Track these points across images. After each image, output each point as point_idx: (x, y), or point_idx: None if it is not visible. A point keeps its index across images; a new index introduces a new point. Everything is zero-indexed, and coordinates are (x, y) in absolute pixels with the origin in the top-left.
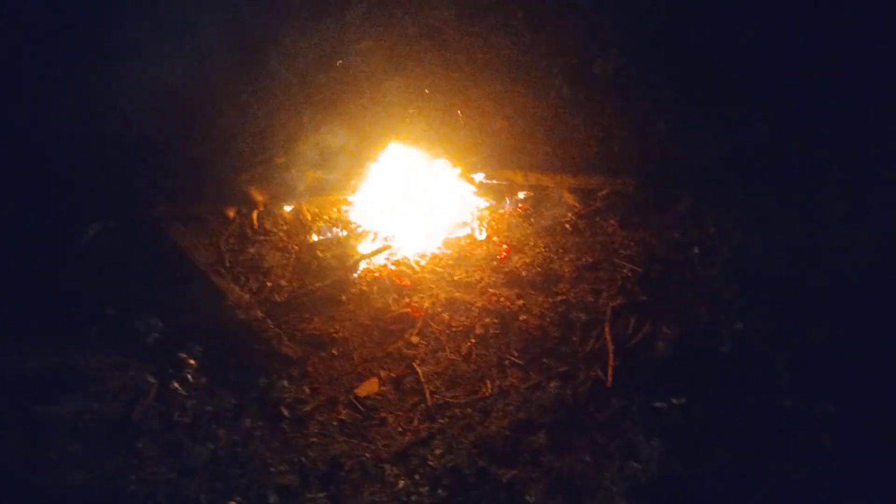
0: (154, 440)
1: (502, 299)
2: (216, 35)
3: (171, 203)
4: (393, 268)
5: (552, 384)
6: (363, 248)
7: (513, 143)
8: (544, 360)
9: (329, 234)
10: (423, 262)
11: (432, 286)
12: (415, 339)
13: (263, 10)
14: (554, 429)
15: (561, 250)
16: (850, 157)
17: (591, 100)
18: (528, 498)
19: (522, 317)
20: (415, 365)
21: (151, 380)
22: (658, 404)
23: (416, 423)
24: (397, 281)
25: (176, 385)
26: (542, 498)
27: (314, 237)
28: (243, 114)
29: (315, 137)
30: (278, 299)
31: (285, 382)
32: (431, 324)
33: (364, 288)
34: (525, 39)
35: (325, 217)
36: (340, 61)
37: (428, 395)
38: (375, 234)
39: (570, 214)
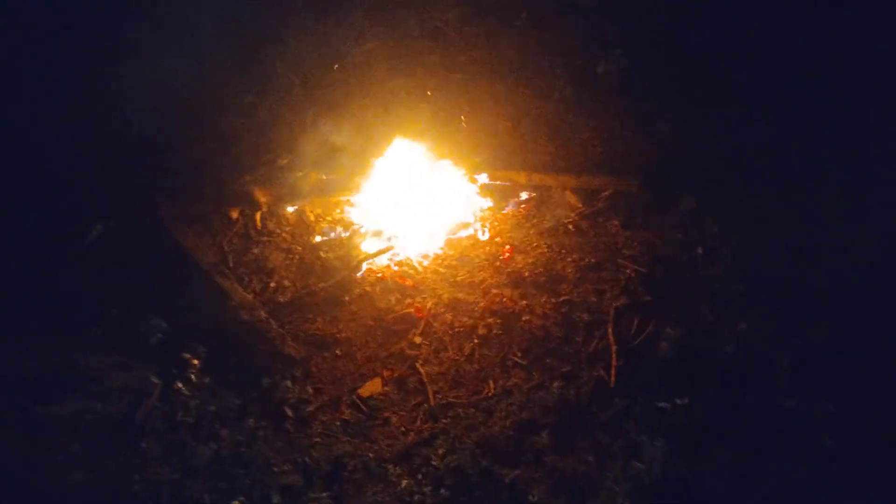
0: (157, 440)
1: (505, 300)
2: (219, 36)
3: (174, 203)
4: (396, 268)
5: (555, 384)
6: (366, 248)
7: (516, 143)
8: (547, 360)
9: (332, 235)
10: (426, 263)
11: (435, 287)
12: (418, 340)
13: (266, 10)
14: (557, 429)
15: (564, 251)
16: (850, 157)
17: (595, 100)
18: (531, 498)
19: (525, 317)
20: (418, 365)
21: (155, 380)
22: (661, 404)
23: (419, 423)
24: (400, 281)
25: (179, 385)
26: (545, 498)
27: (317, 238)
28: (246, 115)
29: (318, 138)
30: (282, 300)
31: (289, 382)
32: (434, 324)
33: (367, 288)
34: (528, 40)
35: (329, 218)
36: (337, 65)
37: (431, 395)
38: (379, 234)
39: (572, 215)
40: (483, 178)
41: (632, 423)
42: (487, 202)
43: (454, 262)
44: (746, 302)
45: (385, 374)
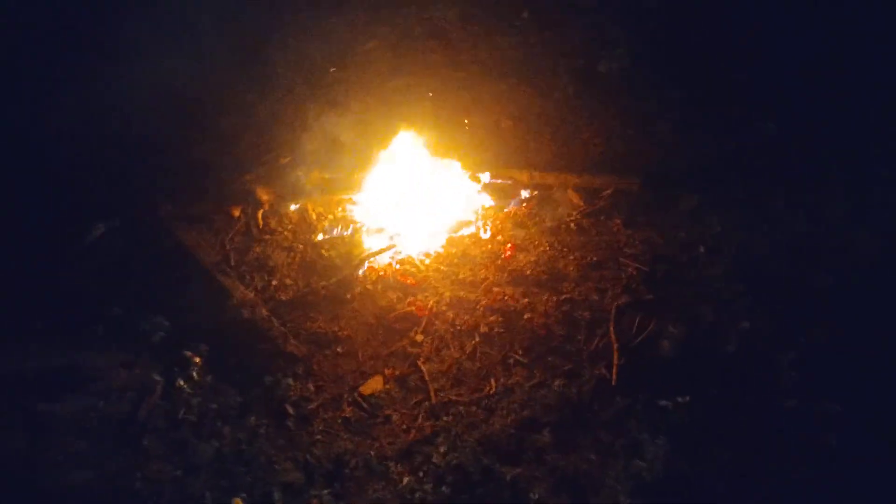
0: (159, 438)
1: (507, 298)
2: (220, 35)
3: (176, 203)
4: (398, 267)
5: (557, 382)
6: (368, 246)
7: (518, 142)
8: (549, 358)
9: (334, 233)
10: (427, 261)
11: (437, 285)
12: (419, 338)
13: (266, 9)
14: (558, 427)
15: (565, 249)
16: (851, 157)
17: (596, 99)
18: (532, 496)
19: (527, 315)
20: (419, 363)
21: (157, 378)
22: (663, 403)
23: (420, 420)
24: (402, 280)
25: (181, 383)
26: (547, 496)
27: (319, 236)
28: (248, 114)
29: (320, 137)
30: (283, 298)
31: (290, 380)
32: (436, 322)
33: (369, 286)
34: (530, 39)
35: (331, 216)
36: (338, 64)
37: (432, 393)
38: (380, 232)
39: (574, 213)
40: (485, 176)
41: (633, 422)
42: (489, 201)
43: (456, 261)
44: (749, 301)
45: (386, 372)
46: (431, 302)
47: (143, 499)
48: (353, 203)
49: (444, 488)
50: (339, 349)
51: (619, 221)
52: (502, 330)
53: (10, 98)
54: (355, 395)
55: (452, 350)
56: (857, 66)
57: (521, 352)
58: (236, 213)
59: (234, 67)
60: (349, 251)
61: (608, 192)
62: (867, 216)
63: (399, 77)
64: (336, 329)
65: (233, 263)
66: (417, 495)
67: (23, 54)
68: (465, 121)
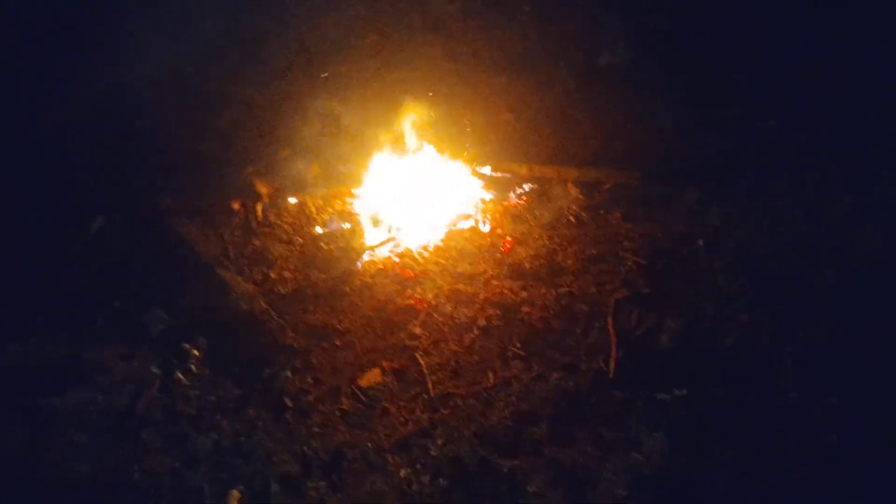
0: (158, 431)
1: (506, 291)
2: (220, 30)
3: (175, 196)
4: (397, 260)
5: (555, 375)
6: (367, 240)
7: (518, 135)
8: (547, 351)
9: (333, 227)
10: (426, 254)
11: (436, 278)
12: (418, 331)
13: (267, 3)
14: (556, 420)
15: (565, 242)
16: (851, 156)
17: (597, 93)
18: (529, 488)
19: (525, 308)
20: (417, 356)
21: (156, 371)
22: (661, 396)
23: (418, 413)
24: (401, 273)
25: (180, 376)
26: (544, 489)
27: (318, 229)
28: (248, 107)
29: (319, 130)
30: (282, 291)
31: (289, 373)
32: (434, 315)
33: (368, 280)
34: (530, 33)
35: (330, 209)
36: (339, 57)
37: (430, 385)
38: (379, 225)
39: (574, 207)
40: (485, 169)
41: (631, 415)
42: (488, 194)
43: (455, 254)
44: (749, 296)
45: (385, 364)
46: (430, 295)
47: (141, 491)
48: (353, 196)
49: (441, 480)
50: (337, 342)
51: (618, 215)
52: (501, 323)
53: (9, 98)
54: (353, 387)
55: (451, 343)
56: (857, 66)
57: (519, 345)
58: (236, 205)
59: (233, 62)
60: (348, 244)
61: (608, 185)
62: (868, 215)
63: (399, 70)
64: (335, 322)
65: (232, 256)
66: (414, 487)
67: (23, 54)
68: (465, 115)
